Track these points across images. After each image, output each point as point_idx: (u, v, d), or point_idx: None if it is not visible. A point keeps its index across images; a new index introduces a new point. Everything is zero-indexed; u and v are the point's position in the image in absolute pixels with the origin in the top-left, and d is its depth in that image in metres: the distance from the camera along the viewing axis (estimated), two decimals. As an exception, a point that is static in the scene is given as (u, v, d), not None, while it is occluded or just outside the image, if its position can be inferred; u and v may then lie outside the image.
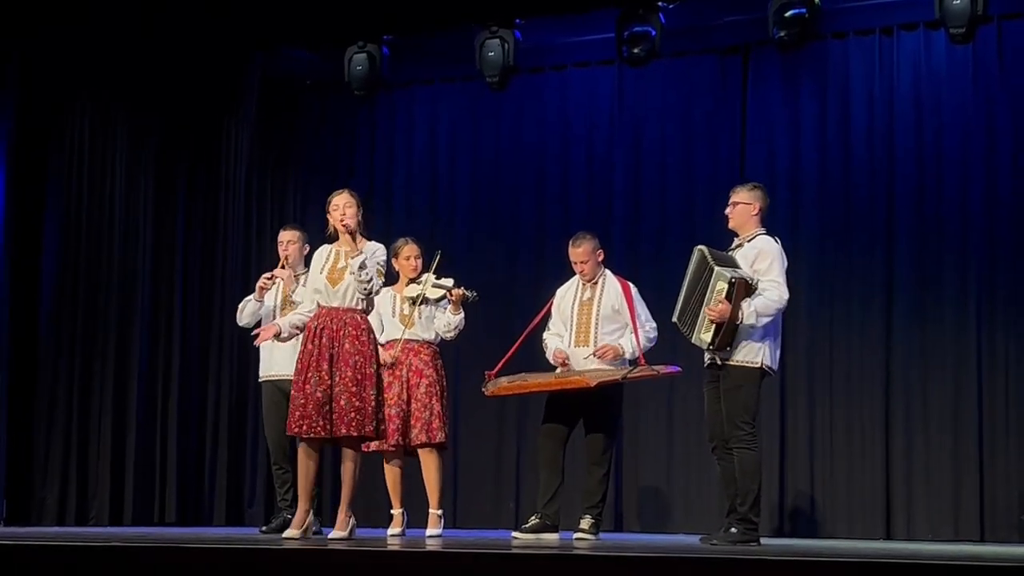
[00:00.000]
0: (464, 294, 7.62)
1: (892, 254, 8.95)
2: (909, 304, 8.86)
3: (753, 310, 6.63)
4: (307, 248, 8.15)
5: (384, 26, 9.68)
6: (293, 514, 7.05)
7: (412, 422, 7.53)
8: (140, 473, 9.73)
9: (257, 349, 8.30)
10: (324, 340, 6.69)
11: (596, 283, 7.51)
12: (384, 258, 6.89)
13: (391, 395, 7.53)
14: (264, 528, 8.23)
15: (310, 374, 6.66)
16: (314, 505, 7.44)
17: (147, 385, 9.86)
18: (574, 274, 7.64)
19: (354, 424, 6.61)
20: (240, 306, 8.21)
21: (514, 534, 7.38)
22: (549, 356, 7.57)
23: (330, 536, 6.78)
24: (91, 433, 9.60)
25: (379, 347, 7.17)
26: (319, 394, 6.62)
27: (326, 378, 6.64)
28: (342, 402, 6.61)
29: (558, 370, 7.48)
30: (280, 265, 8.07)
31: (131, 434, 9.71)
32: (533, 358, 7.79)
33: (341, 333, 6.69)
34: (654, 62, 9.27)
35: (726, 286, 6.60)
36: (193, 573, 5.33)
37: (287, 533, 6.80)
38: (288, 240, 8.11)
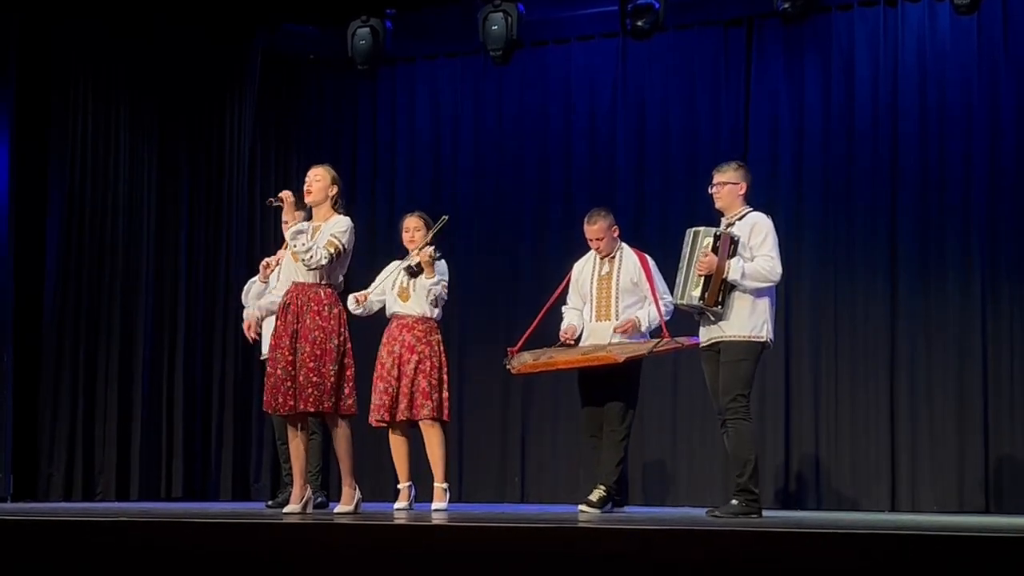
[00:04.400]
0: (428, 251, 7.50)
1: (896, 226, 8.94)
2: (913, 275, 8.86)
3: (740, 267, 6.67)
4: None
5: (387, 0, 9.65)
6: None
7: (400, 397, 7.53)
8: (146, 448, 9.76)
9: (261, 325, 8.31)
10: (289, 316, 6.65)
11: (613, 257, 7.45)
12: (344, 230, 6.69)
13: (383, 371, 7.55)
14: (270, 503, 8.27)
15: (276, 351, 6.65)
16: (318, 480, 7.46)
17: (153, 361, 9.88)
18: (578, 249, 7.62)
19: (311, 400, 6.55)
20: (245, 288, 8.22)
21: (584, 509, 7.30)
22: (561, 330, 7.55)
23: (335, 511, 6.78)
24: (97, 409, 9.63)
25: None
26: (279, 371, 6.59)
27: (288, 354, 6.59)
28: (300, 377, 6.56)
29: (581, 344, 7.45)
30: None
31: (137, 410, 9.73)
32: (552, 333, 7.77)
33: (304, 308, 6.64)
34: (658, 35, 9.25)
35: (711, 239, 6.70)
36: (199, 548, 5.35)
37: (287, 509, 6.81)
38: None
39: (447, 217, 7.68)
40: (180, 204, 10.16)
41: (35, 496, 9.34)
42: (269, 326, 8.15)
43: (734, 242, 6.71)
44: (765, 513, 6.86)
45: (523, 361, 7.51)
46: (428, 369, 7.53)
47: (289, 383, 6.57)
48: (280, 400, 6.59)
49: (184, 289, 10.10)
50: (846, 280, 9.05)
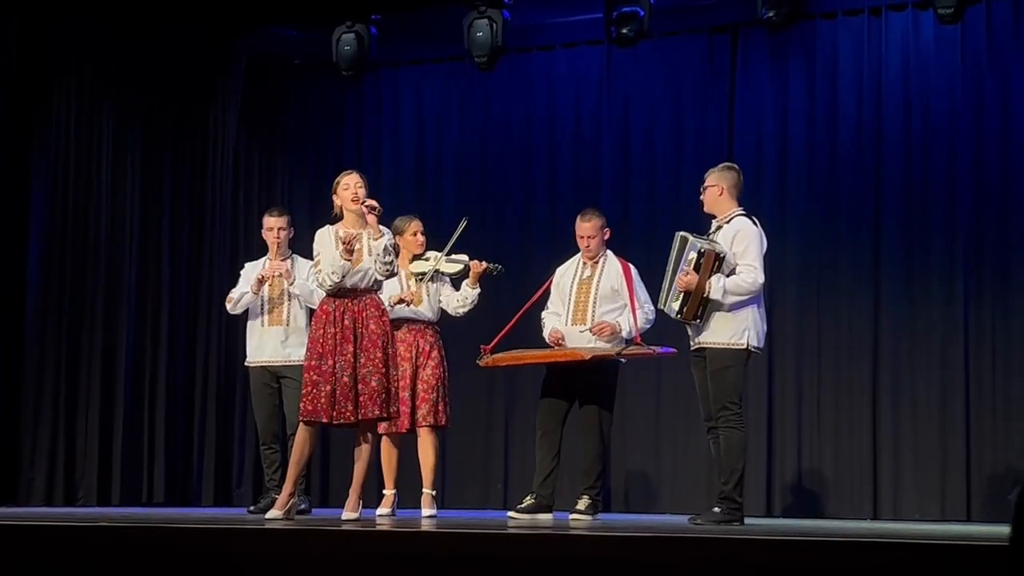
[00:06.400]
0: (488, 267, 7.58)
1: (879, 233, 8.96)
2: (896, 283, 8.88)
3: (722, 286, 6.68)
4: (291, 231, 8.15)
5: (372, 5, 9.65)
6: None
7: (418, 403, 7.51)
8: (128, 453, 9.71)
9: (244, 332, 8.28)
10: (347, 322, 6.66)
11: (597, 262, 7.46)
12: (395, 243, 6.87)
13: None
14: (252, 508, 8.23)
15: (336, 358, 6.62)
16: (301, 486, 7.45)
17: (135, 365, 9.84)
18: (563, 253, 7.63)
19: (382, 405, 6.63)
20: (235, 297, 8.14)
21: (510, 514, 7.35)
22: (545, 335, 7.53)
23: (342, 518, 6.74)
24: (79, 413, 9.58)
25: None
26: (346, 378, 6.59)
27: (351, 360, 6.62)
28: (372, 383, 6.59)
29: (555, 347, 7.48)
30: (275, 254, 8.07)
31: (119, 414, 9.68)
32: (529, 336, 7.78)
33: (364, 315, 6.68)
34: (642, 42, 9.24)
35: (695, 255, 6.68)
36: (180, 553, 5.34)
37: (270, 514, 6.79)
38: (279, 227, 8.09)
39: (467, 220, 7.70)
40: (163, 207, 10.11)
41: (16, 501, 9.29)
42: (253, 330, 8.15)
43: (719, 258, 6.70)
44: (746, 520, 6.87)
45: (493, 356, 7.54)
46: (442, 374, 7.60)
47: (354, 391, 6.60)
48: (350, 409, 6.59)
49: (167, 293, 10.06)
50: (830, 287, 9.07)
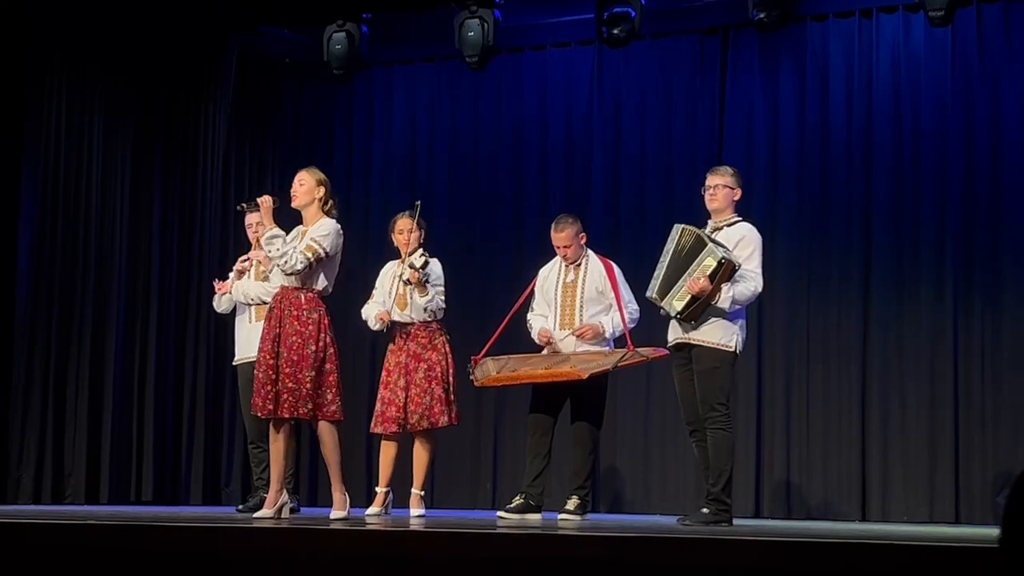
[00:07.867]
0: (415, 274, 7.47)
1: (870, 236, 8.97)
2: (886, 286, 8.89)
3: (731, 295, 6.66)
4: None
5: (363, 5, 9.65)
6: (269, 494, 7.03)
7: (412, 407, 7.49)
8: (116, 451, 9.70)
9: (233, 330, 8.29)
10: (272, 320, 6.66)
11: (579, 265, 7.44)
12: (326, 234, 6.67)
13: (388, 379, 7.53)
14: (240, 507, 8.22)
15: (260, 354, 6.67)
16: (290, 485, 7.46)
17: (124, 363, 9.82)
18: (553, 255, 7.61)
19: (287, 405, 6.56)
20: (218, 295, 8.18)
21: (499, 514, 7.35)
22: (534, 335, 7.51)
23: (331, 517, 6.74)
24: (67, 412, 9.56)
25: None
26: (261, 374, 6.61)
27: (269, 359, 6.60)
28: (279, 383, 6.58)
29: (544, 351, 7.43)
30: (253, 248, 8.07)
31: (107, 412, 9.67)
32: (517, 339, 7.76)
33: (285, 313, 6.64)
34: (634, 43, 9.26)
35: (714, 264, 6.62)
36: (169, 552, 5.33)
37: (259, 514, 6.78)
38: (257, 222, 8.09)
39: (419, 203, 7.71)
40: (153, 205, 10.09)
41: (4, 499, 9.28)
42: (241, 327, 8.15)
43: (734, 270, 6.69)
44: (735, 522, 6.87)
45: (487, 372, 7.47)
46: (440, 375, 7.53)
47: (270, 387, 6.57)
48: (260, 403, 6.61)
49: (156, 292, 10.04)
50: (819, 290, 9.08)
